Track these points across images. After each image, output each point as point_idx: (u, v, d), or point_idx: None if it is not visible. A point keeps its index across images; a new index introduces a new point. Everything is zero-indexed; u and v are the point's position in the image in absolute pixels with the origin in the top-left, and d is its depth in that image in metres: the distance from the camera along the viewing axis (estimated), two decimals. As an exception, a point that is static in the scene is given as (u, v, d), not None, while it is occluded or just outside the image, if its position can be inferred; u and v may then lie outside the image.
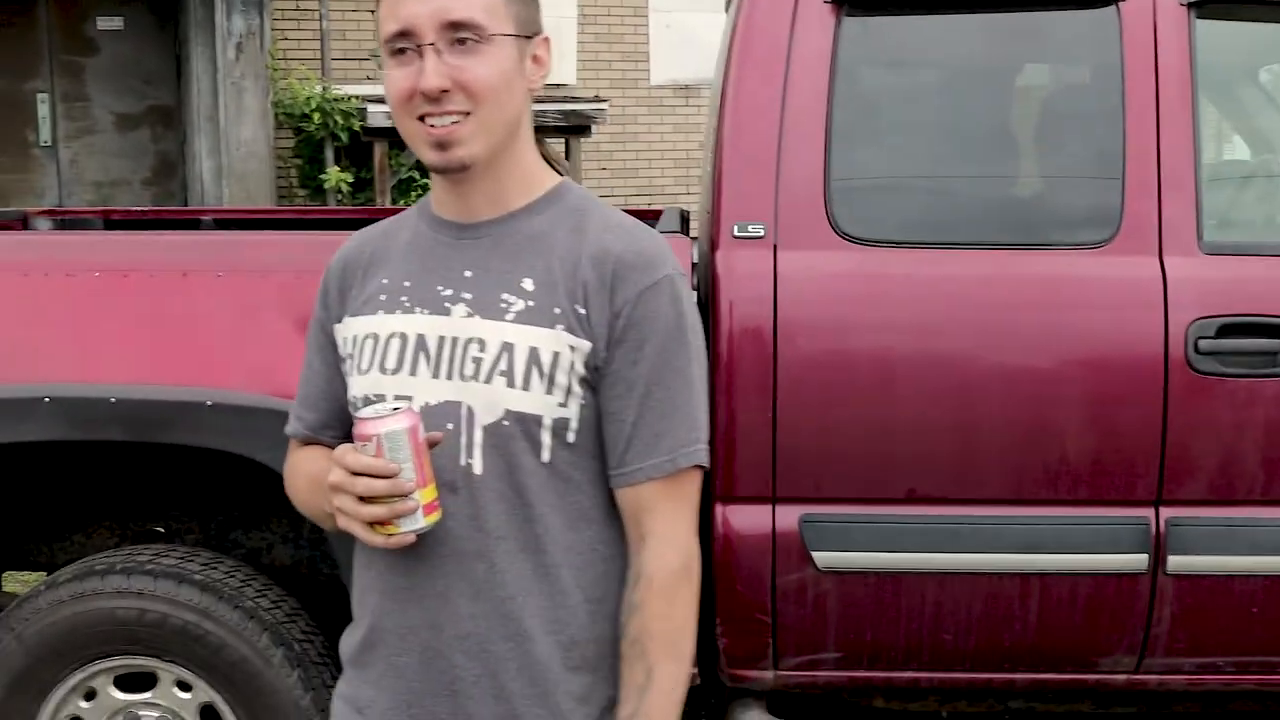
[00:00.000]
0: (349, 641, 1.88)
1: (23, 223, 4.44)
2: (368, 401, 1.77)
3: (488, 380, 1.72)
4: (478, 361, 1.72)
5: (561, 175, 1.88)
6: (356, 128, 9.57)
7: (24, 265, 3.10)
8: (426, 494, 1.66)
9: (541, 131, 9.53)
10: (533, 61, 1.78)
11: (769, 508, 3.00)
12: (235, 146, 9.78)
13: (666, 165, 11.16)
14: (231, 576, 3.10)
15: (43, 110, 10.27)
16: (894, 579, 3.04)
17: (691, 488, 1.78)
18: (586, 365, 1.72)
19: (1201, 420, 2.99)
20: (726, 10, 3.65)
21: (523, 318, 1.72)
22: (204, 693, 3.10)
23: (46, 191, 10.27)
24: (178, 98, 10.51)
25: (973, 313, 3.03)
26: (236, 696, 3.07)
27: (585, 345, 1.72)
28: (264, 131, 9.85)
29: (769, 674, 3.12)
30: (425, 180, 9.76)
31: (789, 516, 3.00)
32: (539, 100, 10.89)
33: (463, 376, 1.73)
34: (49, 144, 10.31)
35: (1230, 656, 3.12)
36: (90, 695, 3.13)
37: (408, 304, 1.79)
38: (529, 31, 1.77)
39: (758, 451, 2.98)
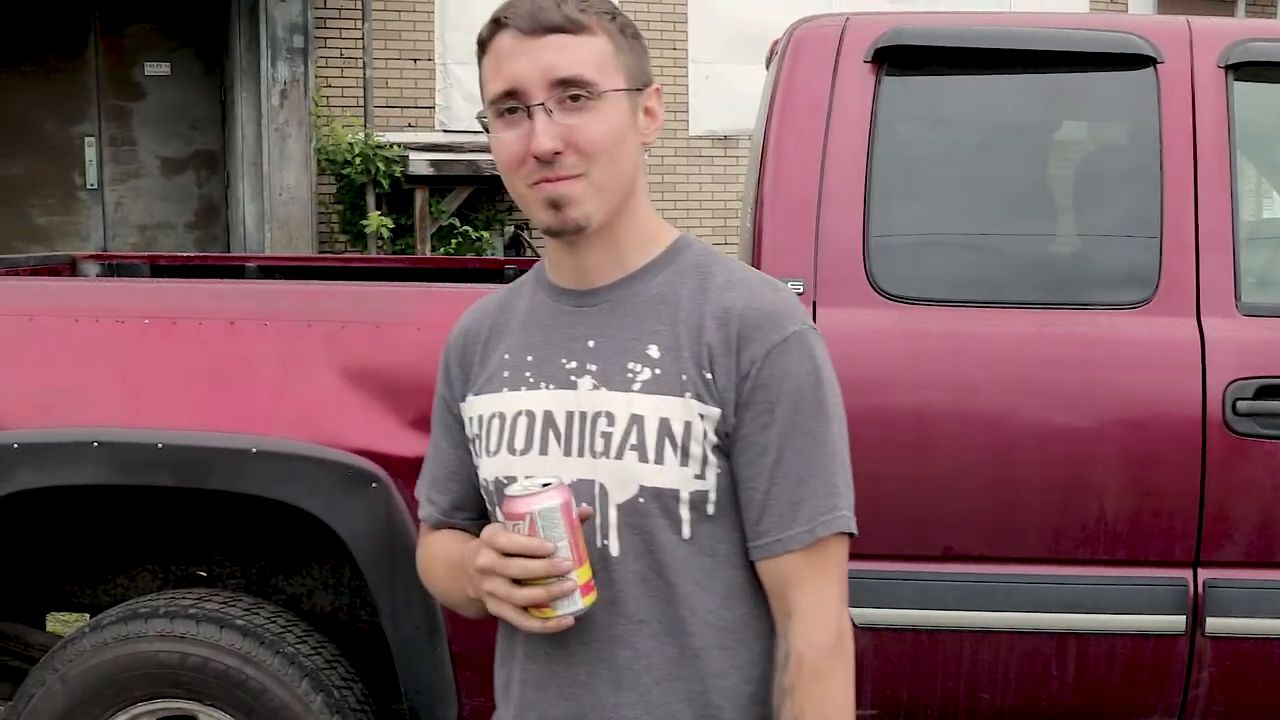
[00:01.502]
0: None
1: (71, 267, 4.52)
2: (499, 485, 1.69)
3: (619, 455, 1.63)
4: (607, 436, 1.64)
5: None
6: (398, 175, 9.66)
7: (75, 311, 3.15)
8: (583, 573, 1.58)
9: (581, 180, 9.57)
10: (645, 114, 1.71)
11: (806, 563, 3.01)
12: (278, 192, 9.88)
13: (705, 215, 11.21)
14: (272, 622, 3.13)
15: (90, 154, 10.40)
16: (931, 636, 3.04)
17: (837, 557, 1.67)
18: (718, 432, 1.63)
19: (1239, 482, 2.99)
20: (767, 66, 3.69)
21: (650, 387, 1.64)
22: (243, 737, 3.11)
23: (91, 234, 10.40)
24: (222, 143, 10.63)
25: (1011, 371, 3.04)
26: (275, 742, 3.09)
27: (715, 412, 1.63)
28: (306, 177, 9.95)
29: (804, 729, 3.12)
30: (465, 228, 9.84)
31: (826, 572, 3.00)
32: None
33: (593, 453, 1.65)
34: (95, 187, 10.44)
35: (1269, 720, 3.11)
36: (132, 738, 3.15)
37: (532, 379, 1.71)
38: (640, 84, 1.69)
39: (796, 506, 2.99)
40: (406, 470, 2.82)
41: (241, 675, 3.05)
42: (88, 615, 3.57)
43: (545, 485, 1.58)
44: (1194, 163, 3.09)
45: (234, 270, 4.64)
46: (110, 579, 3.55)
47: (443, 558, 1.81)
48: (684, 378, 1.64)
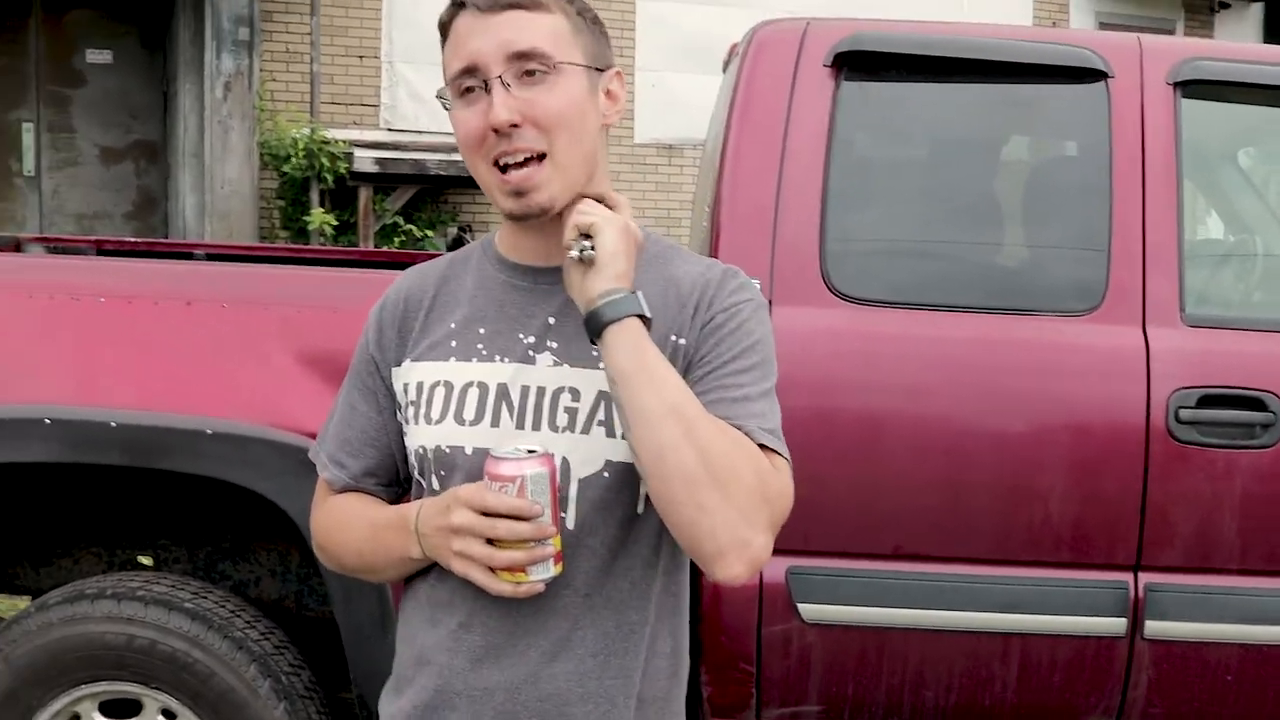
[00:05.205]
0: (399, 707, 1.76)
1: (16, 248, 4.46)
2: (439, 453, 1.70)
3: (585, 431, 1.65)
4: (572, 412, 1.65)
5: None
6: (343, 171, 9.62)
7: (29, 287, 3.12)
8: (557, 541, 1.59)
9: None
10: (605, 96, 1.72)
11: (757, 558, 3.03)
12: (219, 185, 9.80)
13: (648, 223, 11.21)
14: (221, 606, 3.11)
15: (27, 140, 10.26)
16: (877, 633, 3.08)
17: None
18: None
19: (1181, 489, 3.06)
20: (725, 69, 3.73)
21: None
22: (188, 722, 3.10)
23: (27, 221, 10.24)
24: (163, 133, 10.53)
25: (961, 374, 3.09)
26: (221, 727, 3.07)
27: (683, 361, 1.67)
28: (249, 171, 9.88)
29: (750, 723, 3.16)
30: (409, 227, 9.80)
31: (776, 568, 3.04)
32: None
33: (554, 428, 1.65)
34: (32, 174, 10.30)
35: (1203, 722, 3.18)
36: (73, 720, 3.13)
37: (485, 351, 1.71)
38: (599, 64, 1.71)
39: (748, 502, 3.02)
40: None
41: (189, 658, 3.03)
42: (30, 599, 3.53)
43: (532, 452, 1.58)
44: (1142, 177, 3.15)
45: (180, 257, 4.60)
46: (54, 561, 3.52)
47: (367, 518, 1.79)
48: None
